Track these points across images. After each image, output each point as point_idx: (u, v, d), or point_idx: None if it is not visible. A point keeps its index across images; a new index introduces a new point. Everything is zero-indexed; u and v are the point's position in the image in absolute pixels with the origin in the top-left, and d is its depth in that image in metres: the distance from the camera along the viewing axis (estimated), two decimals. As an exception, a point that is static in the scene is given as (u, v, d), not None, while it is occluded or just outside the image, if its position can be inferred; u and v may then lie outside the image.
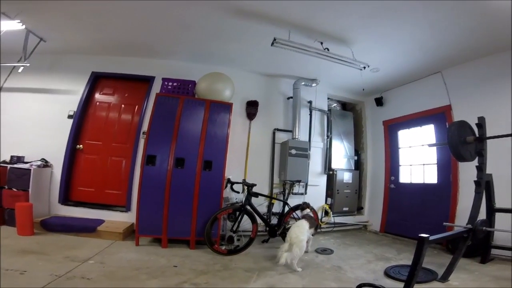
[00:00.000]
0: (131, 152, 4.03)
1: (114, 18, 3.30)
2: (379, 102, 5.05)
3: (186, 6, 2.97)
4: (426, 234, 2.02)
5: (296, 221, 3.70)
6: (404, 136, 4.77)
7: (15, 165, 3.56)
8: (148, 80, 4.25)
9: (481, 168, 2.77)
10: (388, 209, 4.77)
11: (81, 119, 4.12)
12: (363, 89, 4.61)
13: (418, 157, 4.45)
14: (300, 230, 2.81)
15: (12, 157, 3.69)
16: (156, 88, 4.07)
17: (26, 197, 3.44)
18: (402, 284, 2.06)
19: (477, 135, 2.79)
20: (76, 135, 4.04)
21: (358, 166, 5.40)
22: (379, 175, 5.02)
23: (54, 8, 3.10)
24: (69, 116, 4.03)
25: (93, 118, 4.19)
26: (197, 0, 2.85)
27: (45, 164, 3.80)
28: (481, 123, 2.78)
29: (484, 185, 2.78)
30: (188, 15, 3.15)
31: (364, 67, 3.56)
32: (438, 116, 4.08)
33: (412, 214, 4.32)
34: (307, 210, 3.35)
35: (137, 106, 4.25)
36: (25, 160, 3.75)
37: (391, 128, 4.96)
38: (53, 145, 3.91)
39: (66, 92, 4.13)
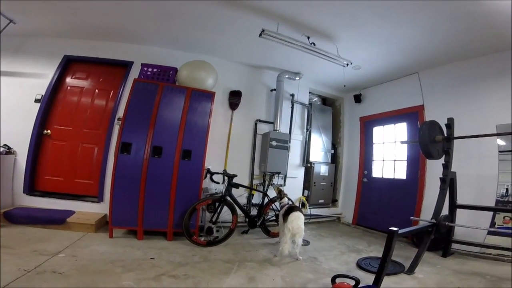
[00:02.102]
0: (104, 138, 3.82)
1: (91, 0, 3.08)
2: (357, 99, 5.21)
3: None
4: (395, 227, 2.16)
5: (275, 212, 3.81)
6: (379, 132, 4.99)
7: (-28, 151, 3.24)
8: (125, 65, 4.02)
9: (447, 166, 2.98)
10: (360, 202, 5.02)
11: (50, 103, 3.83)
12: (344, 86, 4.73)
13: (390, 153, 4.69)
14: (302, 221, 2.92)
15: (-31, 142, 3.35)
16: (134, 73, 3.87)
17: None
18: (373, 276, 2.19)
19: (446, 135, 2.99)
20: (43, 120, 3.76)
21: (335, 159, 5.59)
22: (354, 169, 5.24)
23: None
24: (36, 100, 3.73)
25: (63, 103, 3.90)
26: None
27: (8, 150, 3.50)
28: (449, 124, 2.99)
29: (449, 182, 3.00)
30: (175, 3, 3.02)
31: (347, 64, 3.64)
32: (411, 115, 4.30)
33: (382, 208, 4.56)
34: (286, 200, 3.37)
35: (112, 92, 4.02)
36: (-16, 146, 3.42)
37: (367, 124, 5.16)
38: (17, 131, 3.61)
39: (34, 76, 3.82)
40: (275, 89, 4.67)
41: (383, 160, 4.81)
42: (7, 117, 3.63)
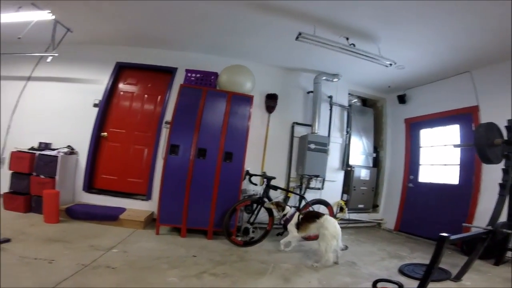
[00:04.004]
0: (153, 141, 4.22)
1: (136, 9, 3.41)
2: (401, 99, 5.06)
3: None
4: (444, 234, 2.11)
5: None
6: (427, 135, 4.81)
7: (43, 152, 3.75)
8: (170, 72, 4.41)
9: (507, 171, 2.84)
10: (404, 208, 4.87)
11: (106, 108, 4.32)
12: (389, 87, 4.64)
13: (440, 157, 4.50)
14: (337, 223, 2.96)
15: (40, 143, 3.91)
16: (178, 79, 4.24)
17: (52, 184, 3.61)
18: (416, 282, 2.15)
19: (506, 138, 2.84)
20: (101, 123, 4.25)
21: (376, 163, 5.47)
22: (397, 173, 5.10)
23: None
24: (95, 105, 4.24)
25: (117, 107, 4.39)
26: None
27: (71, 151, 4.02)
28: (510, 126, 2.84)
29: (509, 188, 2.84)
30: (209, 8, 3.23)
31: (391, 64, 3.59)
32: (464, 116, 4.10)
33: (429, 214, 4.40)
34: (288, 208, 3.28)
35: (159, 97, 4.43)
36: (52, 147, 3.97)
37: (413, 126, 5.00)
38: (78, 133, 4.14)
39: (91, 82, 4.34)
40: (312, 92, 4.73)
41: (432, 164, 4.63)
42: (69, 121, 4.19)
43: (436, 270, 2.11)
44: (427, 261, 2.12)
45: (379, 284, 2.10)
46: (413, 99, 5.01)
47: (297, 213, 3.16)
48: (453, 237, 2.15)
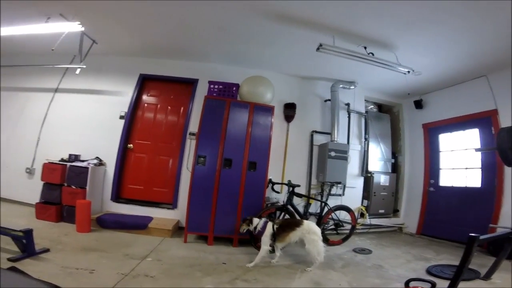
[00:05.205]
0: (177, 151, 4.47)
1: (158, 21, 3.65)
2: (418, 104, 5.22)
3: (228, 10, 3.26)
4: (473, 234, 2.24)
5: (334, 221, 4.04)
6: (446, 139, 4.96)
7: (74, 163, 4.01)
8: (191, 83, 4.68)
9: (530, 173, 2.97)
10: (425, 212, 5.00)
11: (131, 119, 4.58)
12: (409, 94, 4.83)
13: (461, 161, 4.64)
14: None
15: (70, 155, 4.18)
16: (199, 90, 4.50)
17: (83, 195, 3.85)
18: (445, 282, 2.28)
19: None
20: (127, 135, 4.51)
21: (395, 169, 5.62)
22: (417, 178, 5.24)
23: (105, 11, 3.46)
24: (121, 117, 4.50)
25: (142, 119, 4.66)
26: (239, 1, 3.12)
27: (100, 162, 4.28)
28: (530, 129, 2.97)
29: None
30: (229, 19, 3.45)
31: (409, 72, 3.77)
32: (483, 120, 4.25)
33: (452, 217, 4.52)
34: (257, 219, 3.16)
35: (182, 108, 4.69)
36: (81, 159, 4.24)
37: (432, 131, 5.16)
38: (105, 144, 4.40)
39: (116, 94, 4.61)
40: (329, 100, 4.94)
41: (453, 168, 4.77)
42: (97, 132, 4.45)
43: (467, 269, 2.25)
44: (454, 262, 2.24)
45: (411, 284, 2.20)
46: (430, 104, 5.18)
47: (269, 223, 3.09)
48: (482, 237, 2.28)
